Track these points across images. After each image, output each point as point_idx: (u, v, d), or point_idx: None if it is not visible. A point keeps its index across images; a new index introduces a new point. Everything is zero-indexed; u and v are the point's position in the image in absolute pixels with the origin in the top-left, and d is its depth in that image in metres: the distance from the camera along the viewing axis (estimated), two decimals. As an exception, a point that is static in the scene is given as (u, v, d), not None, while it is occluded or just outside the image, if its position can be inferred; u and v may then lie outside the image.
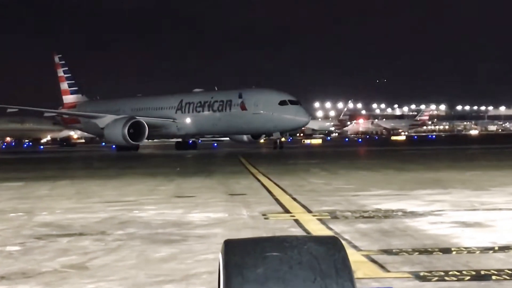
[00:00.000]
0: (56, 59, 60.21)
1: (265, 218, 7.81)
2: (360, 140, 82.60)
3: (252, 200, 9.89)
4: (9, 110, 51.19)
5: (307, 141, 70.04)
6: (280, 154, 33.77)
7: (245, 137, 46.29)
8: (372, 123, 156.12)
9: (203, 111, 44.94)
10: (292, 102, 40.71)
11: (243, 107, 41.92)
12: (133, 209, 9.10)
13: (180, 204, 9.73)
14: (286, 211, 8.49)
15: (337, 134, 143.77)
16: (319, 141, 71.04)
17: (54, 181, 15.24)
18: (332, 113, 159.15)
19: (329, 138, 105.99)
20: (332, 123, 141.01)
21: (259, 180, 14.13)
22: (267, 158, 28.64)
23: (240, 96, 42.42)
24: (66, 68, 59.61)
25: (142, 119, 43.84)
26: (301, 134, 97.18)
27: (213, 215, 8.29)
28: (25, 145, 78.48)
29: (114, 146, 46.45)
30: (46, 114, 56.71)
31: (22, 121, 76.84)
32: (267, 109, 40.70)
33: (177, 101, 46.96)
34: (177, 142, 49.33)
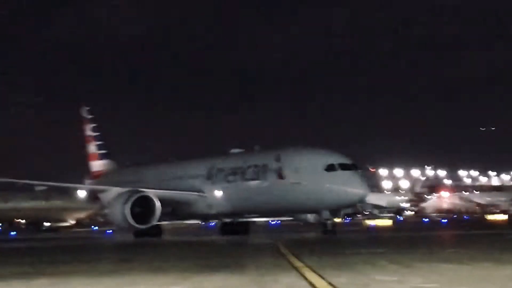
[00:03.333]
0: (84, 112, 60.58)
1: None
2: (444, 220, 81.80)
3: (297, 305, 9.77)
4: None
5: (371, 223, 69.57)
6: (332, 241, 33.48)
7: (309, 217, 44.85)
8: (461, 197, 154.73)
9: (235, 180, 44.52)
10: (343, 167, 39.18)
11: (280, 175, 41.15)
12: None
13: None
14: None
15: (412, 212, 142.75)
16: (388, 222, 70.52)
17: (28, 280, 15.32)
18: (404, 184, 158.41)
19: (401, 218, 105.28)
20: (405, 198, 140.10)
21: (305, 278, 14.00)
22: (315, 247, 28.41)
23: (277, 159, 41.76)
24: (95, 125, 59.87)
25: (153, 193, 43.48)
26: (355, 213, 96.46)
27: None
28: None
29: (109, 230, 46.69)
30: (37, 188, 55.47)
31: (48, 197, 76.15)
32: (308, 177, 39.56)
33: (207, 167, 46.78)
34: (223, 224, 48.75)
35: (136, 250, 30.44)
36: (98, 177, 57.19)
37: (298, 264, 17.72)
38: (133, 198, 42.67)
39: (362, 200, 42.58)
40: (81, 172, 60.10)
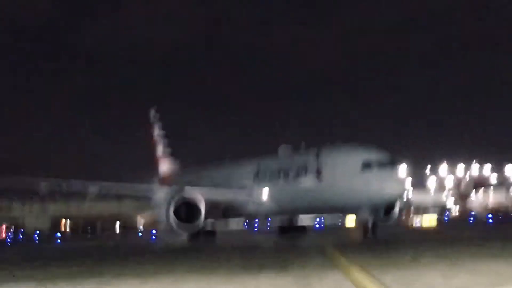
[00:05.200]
0: (152, 115, 61.45)
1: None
2: (490, 218, 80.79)
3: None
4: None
5: (416, 221, 69.09)
6: (376, 240, 33.35)
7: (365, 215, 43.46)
8: (507, 194, 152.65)
9: (279, 179, 44.41)
10: (379, 164, 37.93)
11: (319, 174, 41.02)
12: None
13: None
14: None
15: (457, 211, 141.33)
16: (433, 220, 69.93)
17: (76, 282, 15.57)
18: (449, 182, 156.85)
19: (446, 216, 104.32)
20: (450, 196, 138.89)
21: (350, 277, 14.02)
22: (359, 246, 28.38)
23: (316, 158, 41.12)
24: (161, 127, 60.88)
25: (199, 193, 43.37)
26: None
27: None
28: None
29: (154, 231, 46.70)
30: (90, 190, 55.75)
31: (120, 200, 77.09)
32: (344, 175, 38.63)
33: (255, 167, 47.02)
34: (281, 226, 48.70)
35: (186, 251, 30.60)
36: (166, 178, 57.87)
37: (343, 263, 17.73)
38: (177, 198, 42.51)
39: (399, 198, 41.47)
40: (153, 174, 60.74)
